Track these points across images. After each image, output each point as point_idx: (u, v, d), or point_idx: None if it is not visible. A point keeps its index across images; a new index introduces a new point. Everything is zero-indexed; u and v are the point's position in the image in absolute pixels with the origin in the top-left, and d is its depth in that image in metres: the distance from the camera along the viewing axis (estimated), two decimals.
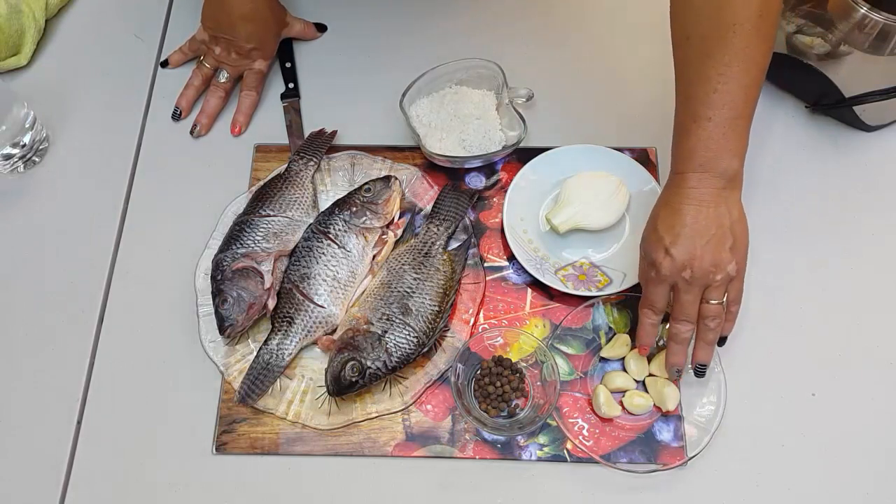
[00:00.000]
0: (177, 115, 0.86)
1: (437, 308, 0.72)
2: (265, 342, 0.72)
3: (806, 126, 0.84)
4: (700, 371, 0.68)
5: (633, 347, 0.72)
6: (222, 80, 0.85)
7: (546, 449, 0.70)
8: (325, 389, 0.69)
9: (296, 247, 0.76)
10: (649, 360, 0.72)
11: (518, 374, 0.71)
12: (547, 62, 0.89)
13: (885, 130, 0.84)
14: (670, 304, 0.67)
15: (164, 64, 0.89)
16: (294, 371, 0.72)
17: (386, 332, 0.70)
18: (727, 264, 0.63)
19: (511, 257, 0.77)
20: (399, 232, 0.77)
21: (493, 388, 0.70)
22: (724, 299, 0.65)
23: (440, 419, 0.71)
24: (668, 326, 0.68)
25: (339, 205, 0.77)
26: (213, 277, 0.73)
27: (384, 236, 0.76)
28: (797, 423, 0.71)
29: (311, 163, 0.80)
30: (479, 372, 0.72)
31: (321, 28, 0.91)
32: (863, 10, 0.70)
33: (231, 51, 0.84)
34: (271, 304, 0.72)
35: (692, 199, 0.63)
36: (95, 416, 0.72)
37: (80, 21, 0.93)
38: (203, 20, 0.84)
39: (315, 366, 0.73)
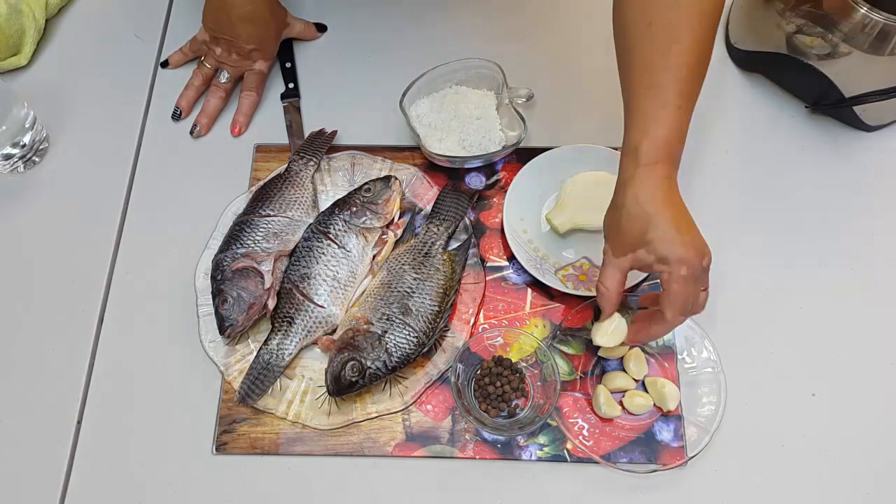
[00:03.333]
0: (177, 115, 0.86)
1: (437, 308, 0.72)
2: (265, 342, 0.72)
3: (806, 126, 0.85)
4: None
5: (631, 347, 0.72)
6: (223, 81, 0.85)
7: (546, 449, 0.70)
8: (325, 389, 0.69)
9: (296, 247, 0.76)
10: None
11: (518, 374, 0.71)
12: (547, 62, 0.89)
13: (885, 130, 0.84)
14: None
15: (165, 64, 0.89)
16: (294, 371, 0.72)
17: (386, 332, 0.70)
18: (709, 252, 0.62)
19: (511, 257, 0.77)
20: (399, 232, 0.77)
21: (493, 388, 0.70)
22: None
23: (440, 419, 0.71)
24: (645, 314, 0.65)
25: (339, 205, 0.77)
26: (213, 277, 0.73)
27: (384, 236, 0.76)
28: (797, 423, 0.71)
29: (311, 163, 0.80)
30: (478, 372, 0.72)
31: (321, 28, 0.91)
32: (863, 10, 0.70)
33: (232, 51, 0.84)
34: (271, 304, 0.72)
35: (672, 186, 0.62)
36: (95, 416, 0.72)
37: (80, 21, 0.93)
38: (204, 21, 0.84)
39: (315, 366, 0.73)
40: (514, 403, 0.71)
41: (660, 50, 0.62)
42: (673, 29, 0.61)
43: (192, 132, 0.85)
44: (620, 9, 0.65)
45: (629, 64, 0.64)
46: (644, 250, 0.61)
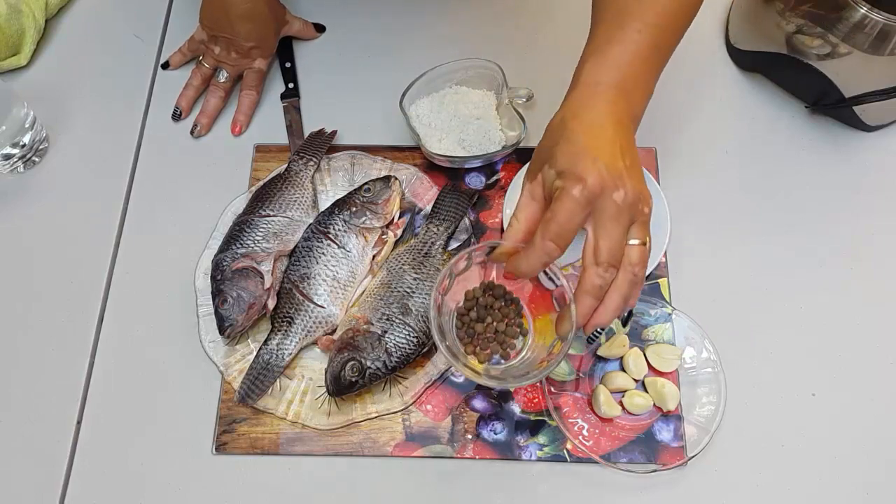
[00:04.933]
0: (177, 116, 0.86)
1: None
2: (265, 342, 0.72)
3: (806, 126, 0.85)
4: (596, 336, 0.56)
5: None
6: (222, 80, 0.85)
7: (546, 449, 0.70)
8: (324, 389, 0.69)
9: (296, 247, 0.76)
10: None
11: (514, 306, 0.58)
12: (547, 62, 0.89)
13: (885, 130, 0.84)
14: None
15: (165, 66, 0.89)
16: (294, 371, 0.72)
17: (386, 332, 0.70)
18: (649, 200, 0.52)
19: None
20: (399, 232, 0.77)
21: (482, 325, 0.58)
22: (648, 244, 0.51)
23: (440, 419, 0.71)
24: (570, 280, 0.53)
25: (339, 205, 0.77)
26: (213, 277, 0.73)
27: (384, 236, 0.76)
28: (797, 423, 0.71)
29: (311, 163, 0.80)
30: (461, 304, 0.57)
31: (320, 28, 0.91)
32: (863, 10, 0.70)
33: (231, 50, 0.84)
34: (271, 304, 0.72)
35: (612, 114, 0.53)
36: (95, 416, 0.72)
37: (80, 21, 0.93)
38: (201, 19, 0.84)
39: (315, 366, 0.73)
40: (511, 344, 0.58)
41: None
42: None
43: (192, 132, 0.85)
44: None
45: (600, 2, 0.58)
46: (548, 164, 0.52)
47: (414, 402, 0.71)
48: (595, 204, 0.50)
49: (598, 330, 0.52)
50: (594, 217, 0.50)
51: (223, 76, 0.85)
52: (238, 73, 0.86)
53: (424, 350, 0.71)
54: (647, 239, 0.51)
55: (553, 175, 0.51)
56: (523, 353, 0.59)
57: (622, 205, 0.50)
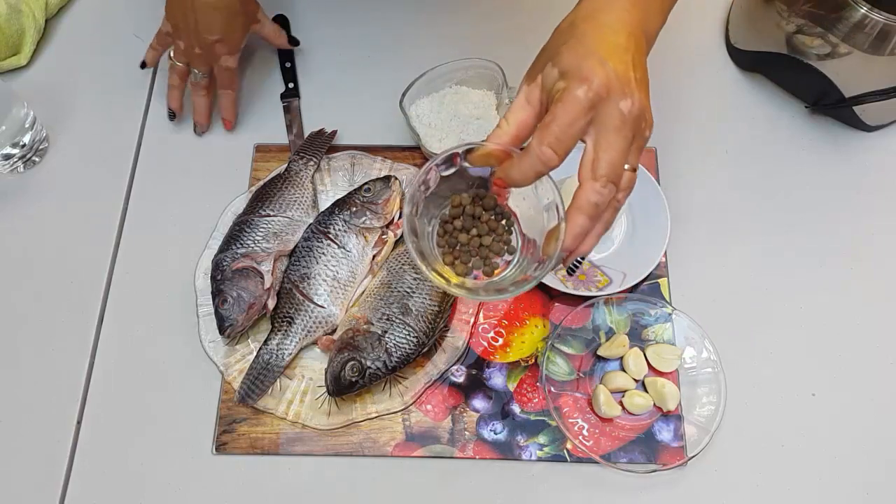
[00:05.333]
0: (171, 117, 0.85)
1: (436, 308, 0.72)
2: (265, 342, 0.72)
3: (806, 126, 0.84)
4: (577, 266, 0.50)
5: (630, 346, 0.72)
6: (199, 79, 0.82)
7: (546, 449, 0.70)
8: (324, 389, 0.69)
9: (296, 247, 0.76)
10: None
11: (505, 222, 0.53)
12: None
13: (885, 130, 0.84)
14: None
15: (143, 65, 0.86)
16: (294, 371, 0.72)
17: (386, 332, 0.70)
18: (652, 122, 0.48)
19: None
20: (399, 232, 0.77)
21: (466, 236, 0.52)
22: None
23: (440, 419, 0.71)
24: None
25: (339, 205, 0.77)
26: (213, 277, 0.73)
27: (384, 236, 0.76)
28: (797, 423, 0.71)
29: (311, 163, 0.80)
30: (447, 212, 0.53)
31: (294, 42, 0.87)
32: (863, 10, 0.70)
33: (194, 44, 0.78)
34: (271, 304, 0.72)
35: (628, 23, 0.49)
36: (95, 416, 0.72)
37: (80, 21, 0.93)
38: (167, 9, 0.79)
39: (315, 366, 0.73)
40: (494, 262, 0.53)
41: None
42: None
43: (195, 130, 0.84)
44: None
45: None
46: (550, 63, 0.48)
47: (414, 402, 0.71)
48: (598, 109, 0.46)
49: (578, 260, 0.49)
50: (595, 126, 0.46)
51: (198, 75, 0.81)
52: (210, 69, 0.81)
53: (424, 350, 0.71)
54: (638, 166, 0.48)
55: (555, 75, 0.47)
56: (507, 272, 0.54)
57: (627, 115, 0.46)
